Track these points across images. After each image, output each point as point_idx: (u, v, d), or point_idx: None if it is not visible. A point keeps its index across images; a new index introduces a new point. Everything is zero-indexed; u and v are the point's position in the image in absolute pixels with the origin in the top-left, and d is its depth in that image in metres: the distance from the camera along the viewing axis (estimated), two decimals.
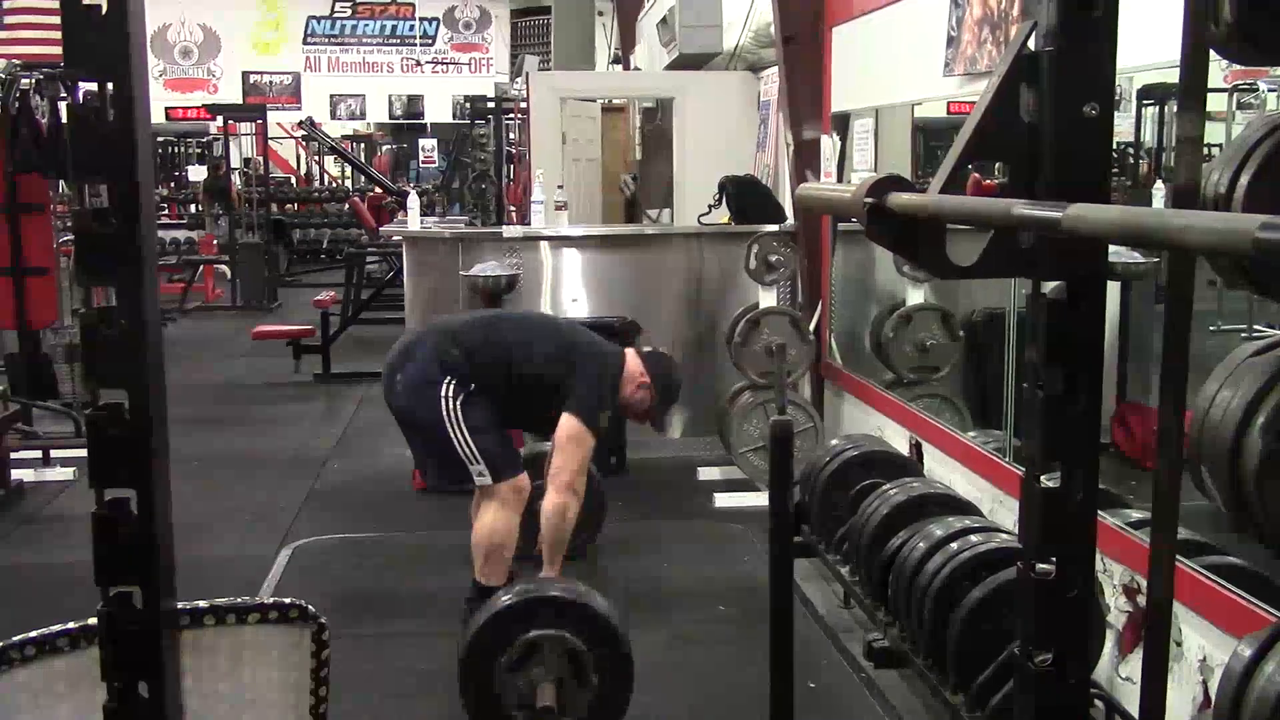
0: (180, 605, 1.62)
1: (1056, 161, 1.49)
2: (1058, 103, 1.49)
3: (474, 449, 4.16)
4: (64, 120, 6.51)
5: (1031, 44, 1.54)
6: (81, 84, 1.41)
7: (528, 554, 4.49)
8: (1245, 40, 1.66)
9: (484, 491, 4.28)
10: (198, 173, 16.80)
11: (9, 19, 9.83)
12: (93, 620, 1.43)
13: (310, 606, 1.81)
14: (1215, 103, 6.22)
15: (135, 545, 1.40)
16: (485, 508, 4.27)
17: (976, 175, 4.80)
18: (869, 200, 1.59)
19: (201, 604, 1.74)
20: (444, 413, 4.15)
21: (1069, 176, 1.48)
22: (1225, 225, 1.00)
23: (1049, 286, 1.61)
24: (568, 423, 4.25)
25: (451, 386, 4.17)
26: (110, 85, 1.34)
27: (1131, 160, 8.78)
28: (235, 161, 15.42)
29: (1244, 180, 1.61)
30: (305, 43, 21.56)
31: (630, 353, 4.53)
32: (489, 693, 3.28)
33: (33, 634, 1.67)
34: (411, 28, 21.75)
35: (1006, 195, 1.50)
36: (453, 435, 4.15)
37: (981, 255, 1.56)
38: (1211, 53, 1.70)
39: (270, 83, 21.27)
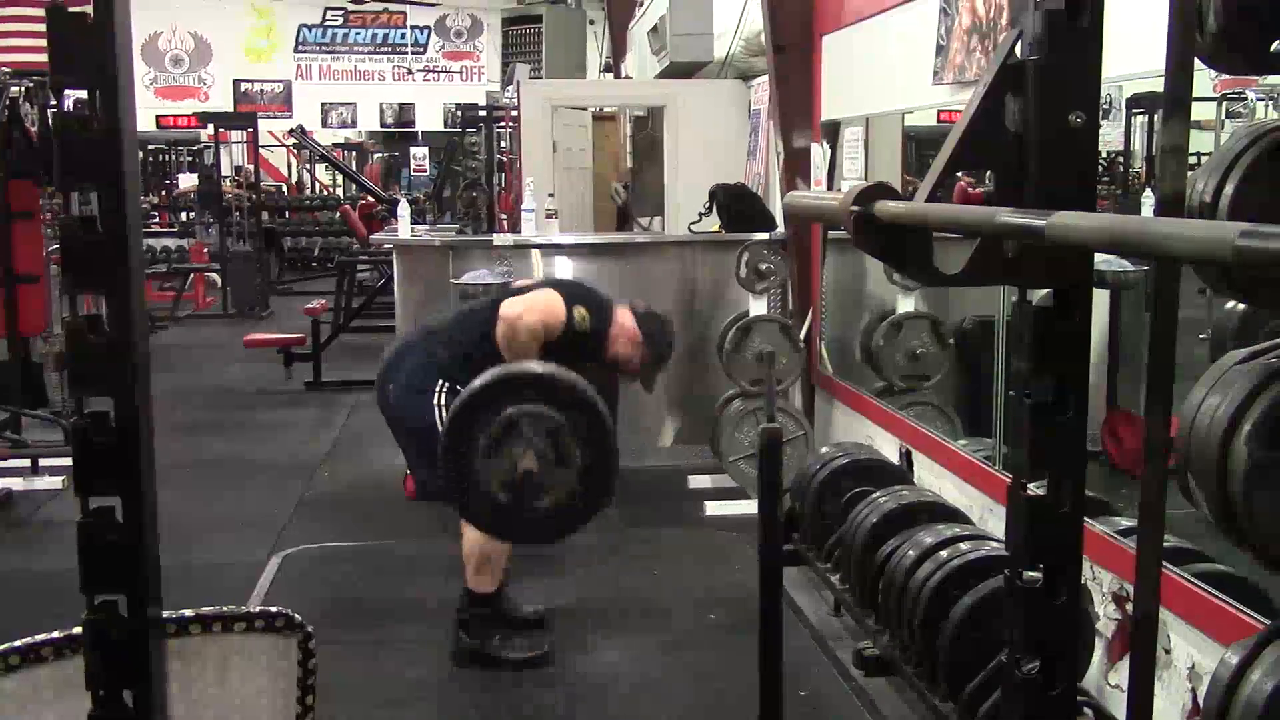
0: (166, 614, 1.61)
1: (1042, 170, 1.49)
2: (1043, 112, 1.49)
3: None
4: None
5: (1018, 52, 1.54)
6: (69, 91, 1.41)
7: (518, 561, 4.48)
8: (1231, 49, 1.66)
9: None
10: (189, 180, 16.77)
11: (0, 26, 9.81)
12: (78, 629, 1.43)
13: (297, 616, 1.81)
14: (1205, 111, 6.25)
15: (121, 553, 1.40)
16: None
17: (963, 183, 4.81)
18: (855, 208, 1.59)
19: (188, 612, 1.73)
20: (438, 419, 4.13)
21: (1054, 185, 1.48)
22: (1206, 234, 1.00)
23: (1036, 294, 1.61)
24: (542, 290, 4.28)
25: (444, 393, 4.16)
26: (97, 93, 1.34)
27: (1122, 168, 8.82)
28: (226, 169, 15.38)
29: (1229, 189, 1.62)
30: (296, 51, 21.54)
31: (622, 309, 4.48)
32: (470, 473, 3.22)
33: (18, 643, 1.67)
34: (403, 36, 21.75)
35: (993, 204, 1.50)
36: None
37: (968, 263, 1.57)
38: (1199, 62, 1.71)
39: (261, 91, 21.25)
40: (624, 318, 4.42)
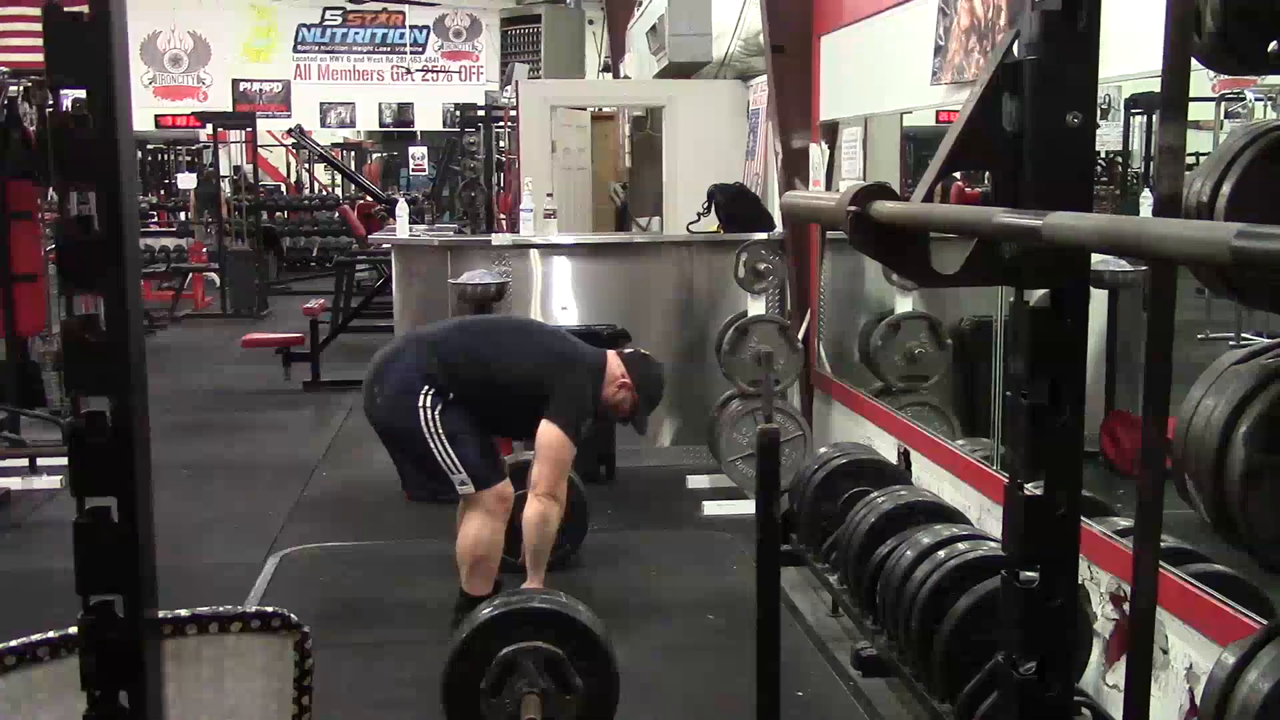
0: (162, 614, 1.61)
1: (1039, 170, 1.49)
2: (1040, 112, 1.49)
3: (455, 458, 4.15)
4: None
5: (1015, 52, 1.54)
6: (68, 91, 1.41)
7: (512, 563, 4.48)
8: (1229, 50, 1.66)
9: (468, 501, 4.27)
10: (188, 180, 16.76)
11: None
12: (74, 628, 1.43)
13: (293, 615, 1.81)
14: (1203, 112, 6.26)
15: (117, 553, 1.39)
16: (470, 518, 4.27)
17: (960, 183, 4.82)
18: (852, 208, 1.59)
19: (183, 613, 1.73)
20: (423, 423, 4.14)
21: (1051, 185, 1.48)
22: (1203, 234, 1.00)
23: (1033, 295, 1.61)
24: (548, 430, 4.23)
25: (430, 396, 4.16)
26: (93, 92, 1.34)
27: (1120, 169, 8.82)
28: (225, 169, 15.37)
29: (1226, 189, 1.62)
30: (295, 50, 21.52)
31: (612, 354, 4.52)
32: (474, 713, 3.23)
33: (14, 642, 1.67)
34: (402, 36, 21.73)
35: (990, 204, 1.50)
36: (433, 445, 4.15)
37: (965, 263, 1.56)
38: (1198, 63, 1.71)
39: (260, 90, 21.23)
40: (614, 363, 4.44)
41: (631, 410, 4.52)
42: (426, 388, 4.18)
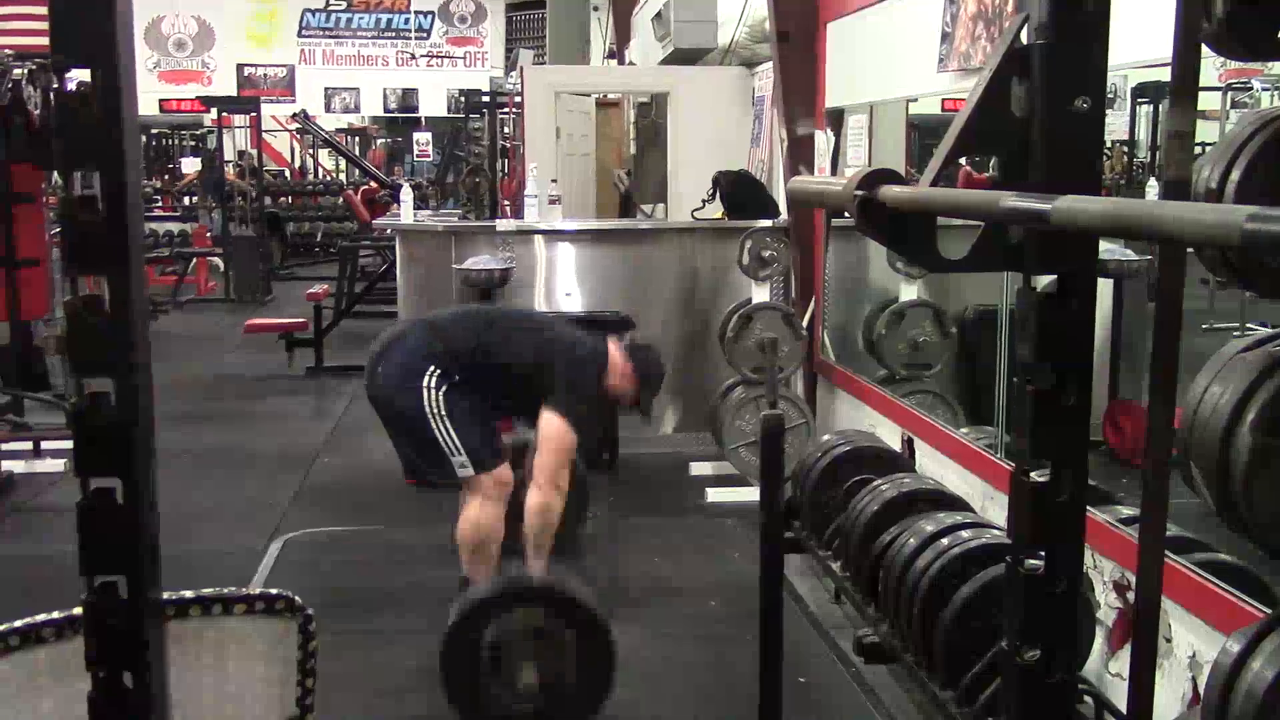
0: (166, 595, 1.61)
1: (1047, 155, 1.48)
2: (1049, 96, 1.48)
3: (455, 440, 4.16)
4: None
5: (1024, 38, 1.53)
6: (71, 73, 1.40)
7: (513, 547, 4.48)
8: (1237, 36, 1.66)
9: (467, 486, 4.27)
10: (192, 165, 16.72)
11: (2, 9, 9.78)
12: (77, 610, 1.42)
13: (296, 598, 1.81)
14: (1210, 101, 6.23)
15: (120, 535, 1.39)
16: (469, 503, 4.27)
17: (968, 169, 4.80)
18: (859, 193, 1.58)
19: (187, 594, 1.73)
20: (426, 403, 4.14)
21: (1059, 170, 1.47)
22: (1214, 217, 1.00)
23: (1040, 281, 1.60)
24: (549, 420, 4.24)
25: (434, 378, 4.17)
26: (97, 72, 1.33)
27: (1126, 158, 8.80)
28: (229, 154, 15.34)
29: (1235, 176, 1.61)
30: (300, 35, 21.51)
31: (613, 344, 4.53)
32: (474, 691, 3.24)
33: (17, 624, 1.67)
34: (406, 21, 21.71)
35: (998, 188, 1.50)
36: (434, 426, 4.15)
37: (972, 249, 1.56)
38: (1206, 51, 1.70)
39: (265, 75, 21.21)
40: (615, 353, 4.46)
41: (634, 400, 4.55)
42: (432, 368, 4.18)
